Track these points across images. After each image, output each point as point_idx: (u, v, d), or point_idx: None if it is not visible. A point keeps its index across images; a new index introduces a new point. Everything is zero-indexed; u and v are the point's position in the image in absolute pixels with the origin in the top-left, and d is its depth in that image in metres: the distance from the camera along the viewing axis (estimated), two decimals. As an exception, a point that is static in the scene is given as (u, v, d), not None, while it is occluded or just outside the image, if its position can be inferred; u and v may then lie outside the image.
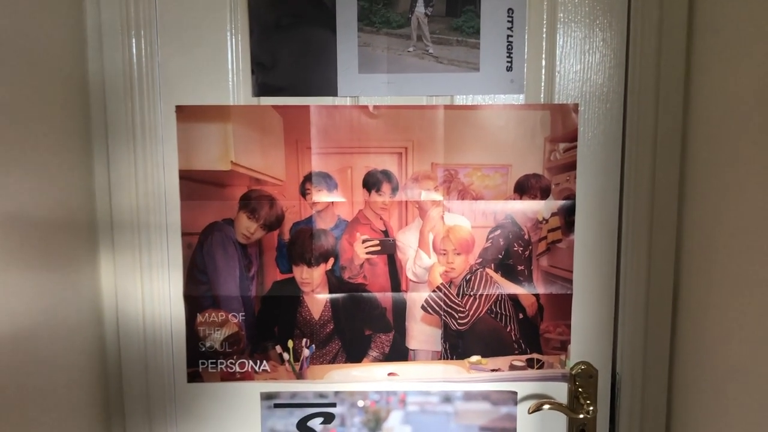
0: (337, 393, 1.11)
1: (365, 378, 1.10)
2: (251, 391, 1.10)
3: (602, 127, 1.03)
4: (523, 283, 1.07)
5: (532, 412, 1.05)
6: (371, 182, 1.05)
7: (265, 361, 1.09)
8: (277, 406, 1.11)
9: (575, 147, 1.04)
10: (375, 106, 1.03)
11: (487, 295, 1.08)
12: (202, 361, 1.09)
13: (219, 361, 1.09)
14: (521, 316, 1.08)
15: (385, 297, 1.08)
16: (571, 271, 1.07)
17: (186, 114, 1.03)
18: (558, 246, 1.06)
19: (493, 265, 1.07)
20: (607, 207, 1.05)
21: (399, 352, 1.09)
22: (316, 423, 1.11)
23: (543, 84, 1.03)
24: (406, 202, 1.06)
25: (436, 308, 1.08)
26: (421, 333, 1.09)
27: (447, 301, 1.08)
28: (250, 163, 1.04)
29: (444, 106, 1.03)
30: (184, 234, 1.06)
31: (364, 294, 1.08)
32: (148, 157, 1.04)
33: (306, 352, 1.09)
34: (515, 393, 1.11)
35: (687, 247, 1.01)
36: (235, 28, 1.02)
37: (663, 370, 1.06)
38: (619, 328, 1.07)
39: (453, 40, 1.02)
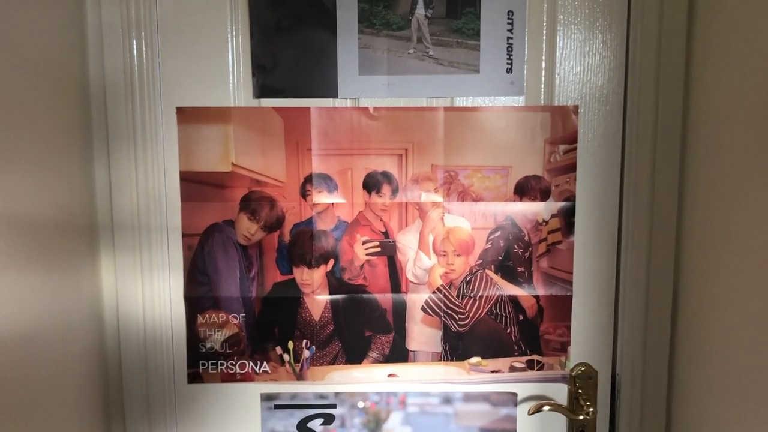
0: (337, 394, 1.11)
1: (365, 379, 1.10)
2: (251, 392, 1.10)
3: (602, 128, 1.04)
4: (523, 284, 1.08)
5: (532, 413, 1.05)
6: (371, 184, 1.05)
7: (265, 362, 1.09)
8: (277, 407, 1.11)
9: (575, 149, 1.04)
10: (375, 108, 1.03)
11: (487, 296, 1.08)
12: (203, 362, 1.09)
13: (219, 362, 1.09)
14: (521, 317, 1.08)
15: (385, 298, 1.08)
16: (571, 273, 1.07)
17: (186, 115, 1.04)
18: (558, 247, 1.07)
19: (493, 266, 1.07)
20: (607, 208, 1.05)
21: (399, 354, 1.09)
22: (316, 424, 1.11)
23: (543, 86, 1.03)
24: (406, 203, 1.06)
25: (436, 309, 1.08)
26: (421, 334, 1.09)
27: (447, 302, 1.08)
28: (250, 164, 1.04)
29: (444, 107, 1.03)
30: (184, 235, 1.06)
31: (364, 295, 1.08)
32: (149, 158, 1.04)
33: (306, 353, 1.09)
34: (515, 394, 1.11)
35: (687, 248, 1.01)
36: (235, 30, 1.02)
37: (663, 371, 1.07)
38: (619, 329, 1.08)
39: (453, 41, 1.02)
